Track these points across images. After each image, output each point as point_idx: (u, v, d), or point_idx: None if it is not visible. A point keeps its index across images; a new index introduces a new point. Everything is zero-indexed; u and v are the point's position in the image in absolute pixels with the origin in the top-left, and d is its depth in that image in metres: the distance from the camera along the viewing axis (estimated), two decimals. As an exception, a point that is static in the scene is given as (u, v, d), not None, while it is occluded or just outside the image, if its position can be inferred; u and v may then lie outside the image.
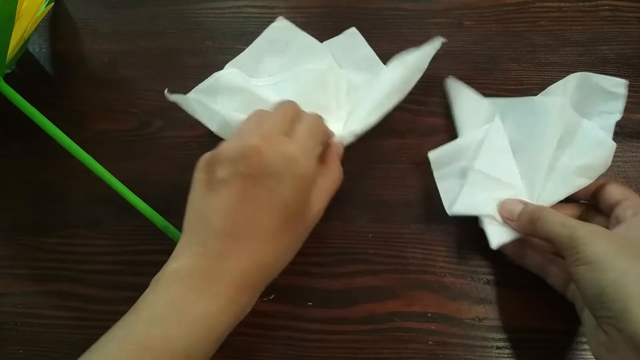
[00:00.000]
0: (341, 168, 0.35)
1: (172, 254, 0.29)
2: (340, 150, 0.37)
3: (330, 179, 0.34)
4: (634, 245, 0.27)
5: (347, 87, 0.41)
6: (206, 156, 0.31)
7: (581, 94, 0.38)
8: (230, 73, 0.40)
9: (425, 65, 0.40)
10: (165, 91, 0.37)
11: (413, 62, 0.40)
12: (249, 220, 0.29)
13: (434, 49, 0.40)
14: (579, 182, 0.35)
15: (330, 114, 0.39)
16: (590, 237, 0.27)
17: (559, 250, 0.30)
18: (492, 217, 0.34)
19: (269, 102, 0.38)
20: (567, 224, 0.29)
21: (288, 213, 0.30)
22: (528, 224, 0.32)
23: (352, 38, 0.43)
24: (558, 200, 0.35)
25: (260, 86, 0.41)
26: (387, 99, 0.40)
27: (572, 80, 0.39)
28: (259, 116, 0.33)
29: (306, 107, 0.36)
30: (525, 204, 0.33)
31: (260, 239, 0.29)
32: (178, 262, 0.28)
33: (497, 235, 0.34)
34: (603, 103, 0.38)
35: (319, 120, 0.35)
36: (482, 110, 0.40)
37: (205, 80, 0.40)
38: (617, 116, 0.37)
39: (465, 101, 0.41)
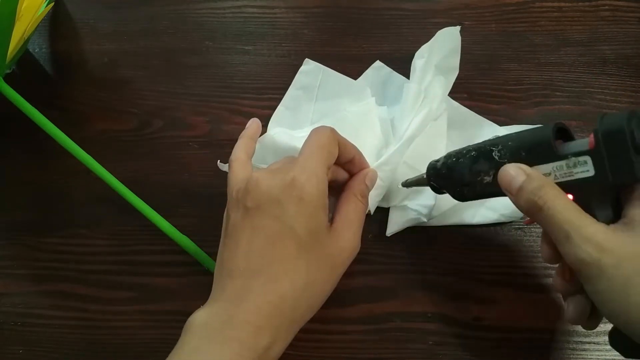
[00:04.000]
0: (364, 191, 0.33)
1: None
2: (374, 178, 0.35)
3: (353, 202, 0.32)
4: None
5: (390, 122, 0.40)
6: (227, 206, 0.31)
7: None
8: (275, 133, 0.38)
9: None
10: (219, 162, 0.37)
11: (451, 65, 0.39)
12: (261, 255, 0.28)
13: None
14: (486, 214, 0.37)
15: (380, 155, 0.38)
16: (619, 264, 0.23)
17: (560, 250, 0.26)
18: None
19: None
20: (590, 240, 0.24)
21: (300, 240, 0.28)
22: (528, 208, 0.26)
23: (380, 71, 0.43)
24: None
25: (304, 137, 0.40)
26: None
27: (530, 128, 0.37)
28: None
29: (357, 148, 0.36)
30: (529, 175, 0.26)
31: (273, 273, 0.27)
32: (198, 312, 0.27)
33: (394, 223, 0.37)
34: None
35: (325, 134, 0.31)
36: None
37: None
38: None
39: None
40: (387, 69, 0.43)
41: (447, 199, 0.37)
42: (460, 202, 0.36)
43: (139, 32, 0.47)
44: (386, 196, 0.38)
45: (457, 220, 0.38)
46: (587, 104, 0.42)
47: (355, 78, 0.43)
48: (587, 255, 0.24)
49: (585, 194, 0.25)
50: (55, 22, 0.49)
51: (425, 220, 0.37)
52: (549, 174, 0.26)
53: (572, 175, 0.25)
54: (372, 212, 0.38)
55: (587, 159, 0.24)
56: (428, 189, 0.34)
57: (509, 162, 0.27)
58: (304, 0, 0.48)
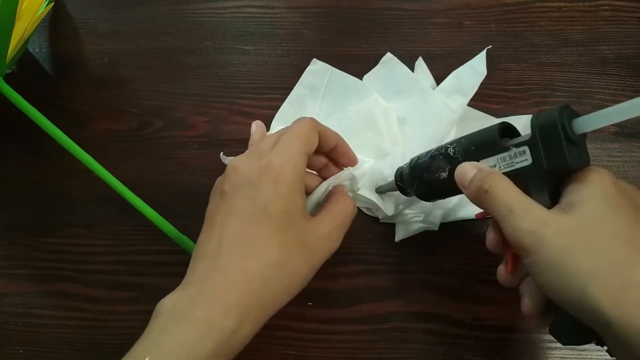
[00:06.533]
0: (351, 201, 0.33)
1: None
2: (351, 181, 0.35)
3: (343, 203, 0.32)
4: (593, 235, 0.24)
5: (397, 120, 0.40)
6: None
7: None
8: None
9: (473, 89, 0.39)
10: (221, 154, 0.37)
11: (467, 91, 0.38)
12: (234, 235, 0.28)
13: (482, 74, 0.39)
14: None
15: (386, 152, 0.38)
16: (558, 240, 0.24)
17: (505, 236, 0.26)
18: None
19: None
20: (531, 212, 0.25)
21: (274, 221, 0.28)
22: (476, 194, 0.28)
23: (388, 64, 0.42)
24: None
25: None
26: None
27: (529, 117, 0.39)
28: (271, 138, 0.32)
29: (359, 148, 0.36)
30: (480, 169, 0.28)
31: (244, 252, 0.27)
32: (167, 296, 0.28)
33: (403, 229, 0.38)
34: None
35: (305, 122, 0.32)
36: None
37: None
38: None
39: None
40: (396, 60, 0.42)
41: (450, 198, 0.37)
42: (464, 199, 0.36)
43: (139, 32, 0.47)
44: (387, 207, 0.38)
45: (464, 214, 0.38)
46: (587, 104, 0.42)
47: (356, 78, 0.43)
48: (527, 225, 0.25)
49: (525, 181, 0.27)
50: (55, 22, 0.49)
51: (435, 229, 0.37)
52: (495, 165, 0.28)
53: (513, 165, 0.27)
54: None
55: (526, 148, 0.26)
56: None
57: (462, 157, 0.30)
58: (304, 0, 0.48)
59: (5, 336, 0.37)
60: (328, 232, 0.30)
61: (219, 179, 0.32)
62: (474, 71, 0.39)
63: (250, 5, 0.48)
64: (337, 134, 0.34)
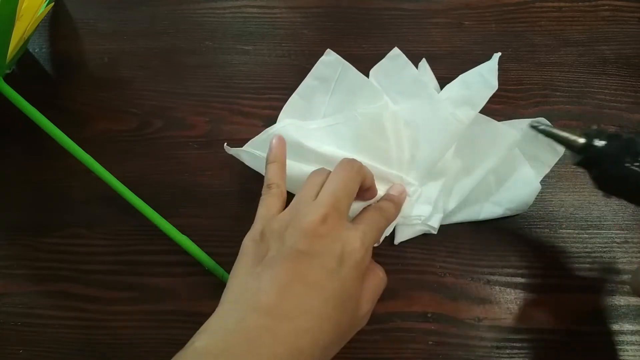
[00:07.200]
0: (383, 270, 0.31)
1: (203, 327, 0.26)
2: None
3: (378, 277, 0.30)
4: None
5: (403, 126, 0.39)
6: (257, 226, 0.29)
7: (532, 133, 0.39)
8: (283, 127, 0.38)
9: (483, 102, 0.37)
10: (225, 145, 0.37)
11: (477, 103, 0.37)
12: (299, 301, 0.26)
13: (492, 87, 0.38)
14: (492, 209, 0.38)
15: (392, 158, 0.38)
16: None
17: None
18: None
19: (323, 154, 0.36)
20: None
21: (343, 299, 0.26)
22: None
23: (396, 61, 0.42)
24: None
25: (314, 129, 0.39)
26: (452, 140, 0.38)
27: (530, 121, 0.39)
28: (315, 183, 0.30)
29: (366, 152, 0.36)
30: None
31: (301, 324, 0.25)
32: (206, 339, 0.25)
33: (402, 232, 0.38)
34: (544, 152, 0.39)
35: (385, 211, 0.32)
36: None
37: (259, 135, 0.39)
38: (548, 170, 0.39)
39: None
40: (404, 58, 0.42)
41: (450, 196, 0.37)
42: (466, 199, 0.37)
43: (139, 32, 0.47)
44: None
45: (464, 217, 0.38)
46: (587, 104, 0.42)
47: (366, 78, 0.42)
48: None
49: None
50: (55, 22, 0.49)
51: (434, 232, 0.37)
52: None
53: None
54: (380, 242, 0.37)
55: None
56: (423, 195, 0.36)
57: None
58: (304, 0, 0.48)
59: (5, 336, 0.37)
60: (366, 312, 0.29)
61: (281, 222, 0.29)
62: (484, 82, 0.38)
63: (250, 5, 0.48)
64: (372, 176, 0.33)
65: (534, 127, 0.31)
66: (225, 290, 0.27)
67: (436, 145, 0.37)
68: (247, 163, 0.39)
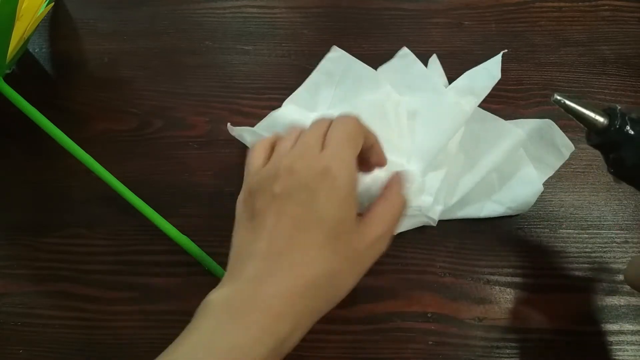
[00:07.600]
0: (404, 199, 0.31)
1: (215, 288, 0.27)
2: (402, 182, 0.34)
3: (388, 202, 0.30)
4: None
5: (406, 114, 0.40)
6: (243, 190, 0.30)
7: (537, 135, 0.39)
8: (287, 110, 0.38)
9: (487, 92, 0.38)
10: (228, 125, 0.37)
11: (480, 92, 0.38)
12: (287, 240, 0.27)
13: (495, 76, 0.38)
14: (494, 208, 0.38)
15: (393, 145, 0.38)
16: None
17: None
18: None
19: None
20: None
21: (328, 229, 0.27)
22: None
23: (404, 60, 0.42)
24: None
25: (317, 115, 0.40)
26: (453, 132, 0.38)
27: (536, 122, 0.39)
28: (292, 135, 0.31)
29: None
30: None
31: (297, 259, 0.26)
32: (216, 292, 0.26)
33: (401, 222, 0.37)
34: (549, 155, 0.39)
35: (353, 123, 0.30)
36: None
37: (264, 119, 0.39)
38: (552, 172, 0.39)
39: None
40: (412, 57, 0.42)
41: (453, 192, 0.37)
42: (468, 196, 0.37)
43: (139, 32, 0.47)
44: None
45: (464, 214, 0.38)
46: (587, 104, 0.42)
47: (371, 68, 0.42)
48: None
49: None
50: (55, 22, 0.49)
51: (433, 224, 0.37)
52: None
53: None
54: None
55: None
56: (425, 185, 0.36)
57: None
58: (304, 0, 0.48)
59: (5, 336, 0.37)
60: (377, 237, 0.29)
61: (262, 174, 0.29)
62: (488, 73, 0.39)
63: (250, 5, 0.48)
64: (374, 134, 0.32)
65: (556, 101, 0.28)
66: (229, 256, 0.29)
67: (439, 133, 0.37)
68: (249, 145, 0.39)
